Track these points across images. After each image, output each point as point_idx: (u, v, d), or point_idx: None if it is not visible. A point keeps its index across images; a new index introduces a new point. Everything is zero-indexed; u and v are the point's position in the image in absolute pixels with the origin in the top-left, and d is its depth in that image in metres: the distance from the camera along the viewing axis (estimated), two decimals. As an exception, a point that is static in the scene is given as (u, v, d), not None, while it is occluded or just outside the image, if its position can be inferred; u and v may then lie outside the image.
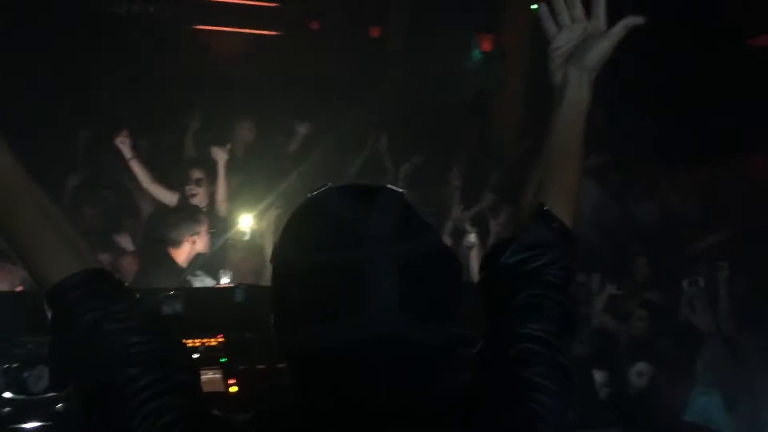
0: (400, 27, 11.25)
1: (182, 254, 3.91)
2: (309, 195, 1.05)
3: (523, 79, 8.27)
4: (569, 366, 1.16)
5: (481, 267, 1.29)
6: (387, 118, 9.59)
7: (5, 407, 1.90)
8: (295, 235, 1.03)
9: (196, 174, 4.58)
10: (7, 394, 1.93)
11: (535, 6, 8.28)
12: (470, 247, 4.59)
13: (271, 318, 1.03)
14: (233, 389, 2.12)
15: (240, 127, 6.08)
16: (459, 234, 4.95)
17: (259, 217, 4.59)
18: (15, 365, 1.99)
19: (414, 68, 11.19)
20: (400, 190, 1.03)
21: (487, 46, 8.99)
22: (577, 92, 1.33)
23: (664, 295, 4.80)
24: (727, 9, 7.19)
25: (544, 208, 1.25)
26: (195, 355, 2.19)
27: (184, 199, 4.53)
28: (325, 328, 0.95)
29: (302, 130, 6.18)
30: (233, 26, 11.86)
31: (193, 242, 3.95)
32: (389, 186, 1.04)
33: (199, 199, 4.54)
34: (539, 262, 1.21)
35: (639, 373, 3.71)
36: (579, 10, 1.34)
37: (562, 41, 1.35)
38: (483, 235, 4.83)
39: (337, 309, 0.94)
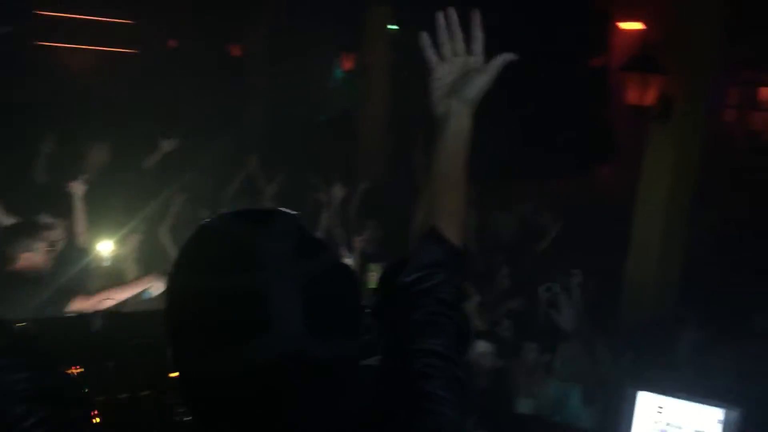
0: (260, 45, 11.21)
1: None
2: (203, 222, 1.03)
3: (385, 97, 8.48)
4: (465, 378, 1.22)
5: (378, 287, 1.34)
6: (256, 137, 9.56)
7: None
8: (193, 261, 1.00)
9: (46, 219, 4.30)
10: None
11: (392, 26, 8.55)
12: None
13: (168, 350, 1.00)
14: (96, 420, 2.03)
15: (95, 151, 5.84)
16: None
17: (120, 242, 4.43)
18: None
19: (277, 87, 11.20)
20: (294, 213, 1.04)
21: (348, 64, 9.12)
22: (459, 123, 1.39)
23: (525, 301, 5.05)
24: (562, 35, 7.71)
25: (435, 230, 1.32)
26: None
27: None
28: (227, 354, 0.93)
29: (166, 146, 6.01)
30: (90, 44, 11.39)
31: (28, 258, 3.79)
32: (282, 209, 1.05)
33: (57, 234, 4.25)
34: (434, 280, 1.27)
35: (482, 354, 3.84)
36: (460, 45, 1.40)
37: (444, 73, 1.40)
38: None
39: (240, 333, 0.93)
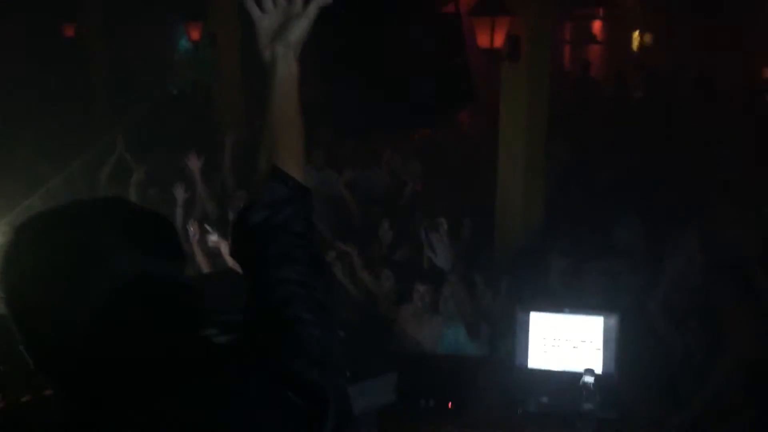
0: (94, 25, 10.58)
1: None
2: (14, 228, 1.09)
3: (237, 63, 8.30)
4: (325, 300, 1.33)
5: (231, 234, 1.42)
6: (108, 120, 9.09)
7: None
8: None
9: None
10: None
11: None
12: (217, 246, 4.64)
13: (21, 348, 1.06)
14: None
15: None
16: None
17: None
18: None
19: (118, 66, 10.63)
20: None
21: (195, 34, 8.81)
22: (285, 67, 1.46)
23: (409, 250, 5.19)
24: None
25: (277, 169, 1.39)
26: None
27: None
28: (74, 294, 1.04)
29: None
30: None
31: None
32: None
33: None
34: (282, 216, 1.36)
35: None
36: None
37: (266, 23, 1.48)
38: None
39: (80, 271, 1.04)
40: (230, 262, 4.07)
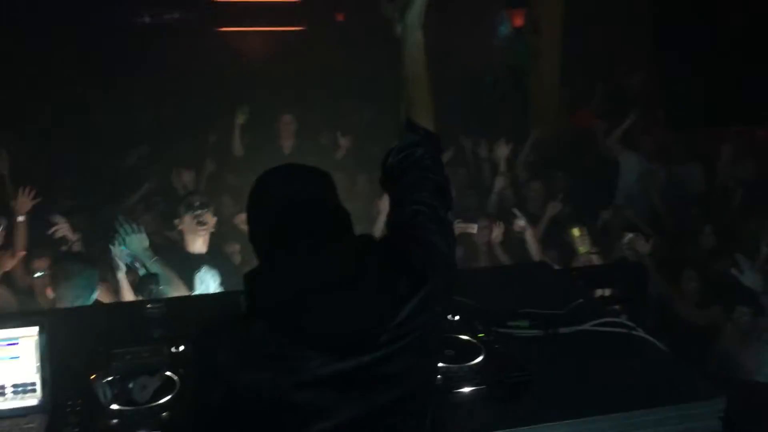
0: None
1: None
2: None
3: (557, 52, 8.15)
4: (447, 220, 1.77)
5: (382, 170, 1.84)
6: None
7: (113, 419, 1.92)
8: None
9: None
10: (114, 406, 1.95)
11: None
12: (522, 231, 4.69)
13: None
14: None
15: (282, 121, 6.22)
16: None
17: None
18: (118, 376, 2.01)
19: (443, 49, 11.10)
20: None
21: (518, 20, 8.83)
22: (413, 36, 1.88)
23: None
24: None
25: (410, 120, 1.85)
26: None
27: None
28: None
29: (344, 143, 6.33)
30: (258, 26, 11.85)
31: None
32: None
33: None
34: (414, 155, 1.80)
35: None
36: None
37: (393, 3, 1.92)
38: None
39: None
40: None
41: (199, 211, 3.96)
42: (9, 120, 6.84)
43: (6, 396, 2.03)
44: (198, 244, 3.99)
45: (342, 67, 10.02)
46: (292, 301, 1.44)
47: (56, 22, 9.09)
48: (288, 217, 1.51)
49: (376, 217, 4.73)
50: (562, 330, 2.38)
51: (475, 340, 2.24)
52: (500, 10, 9.98)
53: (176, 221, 4.06)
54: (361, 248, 1.54)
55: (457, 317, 2.35)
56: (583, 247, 4.43)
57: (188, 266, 3.79)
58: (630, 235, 4.60)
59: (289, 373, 1.44)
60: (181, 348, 2.19)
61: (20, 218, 4.42)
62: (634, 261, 4.31)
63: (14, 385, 2.04)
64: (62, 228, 4.41)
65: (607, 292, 2.86)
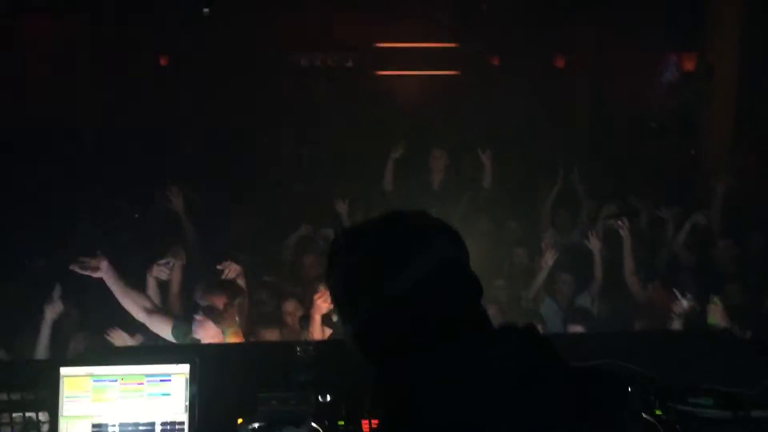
0: (583, 54, 10.87)
1: None
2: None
3: (732, 100, 7.56)
4: None
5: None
6: (576, 147, 9.27)
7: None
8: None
9: None
10: (257, 454, 1.87)
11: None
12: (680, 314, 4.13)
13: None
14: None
15: (434, 156, 6.32)
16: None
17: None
18: (264, 424, 1.94)
19: (602, 94, 10.75)
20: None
21: (689, 65, 8.31)
22: None
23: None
24: None
25: None
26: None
27: None
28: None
29: (485, 159, 6.22)
30: (415, 69, 12.04)
31: None
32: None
33: None
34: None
35: None
36: None
37: None
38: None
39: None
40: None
41: None
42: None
43: (154, 434, 2.02)
44: None
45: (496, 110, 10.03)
46: None
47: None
48: None
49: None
50: (755, 413, 2.06)
51: (652, 419, 1.98)
52: (664, 54, 9.51)
53: None
54: None
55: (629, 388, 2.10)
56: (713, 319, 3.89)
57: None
58: None
59: None
60: (328, 398, 2.09)
61: None
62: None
63: (163, 423, 2.02)
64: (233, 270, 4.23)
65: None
